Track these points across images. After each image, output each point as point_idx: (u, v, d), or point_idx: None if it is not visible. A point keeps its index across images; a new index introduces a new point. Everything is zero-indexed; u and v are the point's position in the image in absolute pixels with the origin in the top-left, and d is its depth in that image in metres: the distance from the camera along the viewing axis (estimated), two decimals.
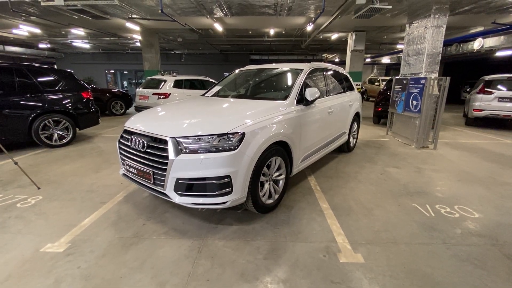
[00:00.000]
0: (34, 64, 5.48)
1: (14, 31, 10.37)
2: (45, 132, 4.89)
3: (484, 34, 9.36)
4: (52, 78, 5.08)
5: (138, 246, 2.12)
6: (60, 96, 5.07)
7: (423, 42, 5.48)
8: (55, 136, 5.04)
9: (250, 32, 11.72)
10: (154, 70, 11.28)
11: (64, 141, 5.15)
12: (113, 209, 2.71)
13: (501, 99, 7.00)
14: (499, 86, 7.13)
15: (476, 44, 9.75)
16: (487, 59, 15.37)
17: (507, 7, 6.12)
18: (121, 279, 1.77)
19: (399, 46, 14.31)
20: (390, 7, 5.42)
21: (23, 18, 8.05)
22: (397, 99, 5.97)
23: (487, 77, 7.55)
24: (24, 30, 10.09)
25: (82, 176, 3.60)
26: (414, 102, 5.30)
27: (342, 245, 2.14)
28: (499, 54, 11.48)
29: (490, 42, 9.34)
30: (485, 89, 7.26)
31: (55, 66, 18.68)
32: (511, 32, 8.39)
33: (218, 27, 9.18)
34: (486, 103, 7.18)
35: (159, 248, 2.10)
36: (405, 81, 5.66)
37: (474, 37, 9.87)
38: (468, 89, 12.99)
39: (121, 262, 1.93)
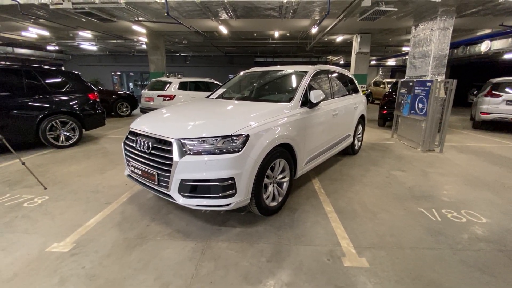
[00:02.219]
0: (42, 66, 5.57)
1: (23, 33, 10.57)
2: (52, 133, 4.96)
3: (491, 37, 9.24)
4: (59, 79, 5.16)
5: (142, 247, 2.13)
6: (67, 98, 5.14)
7: (429, 44, 5.43)
8: (62, 137, 5.11)
9: (255, 35, 11.76)
10: (160, 72, 11.38)
11: (71, 141, 5.21)
12: (118, 210, 2.73)
13: (509, 102, 6.89)
14: (507, 89, 7.01)
15: (484, 47, 9.63)
16: (494, 61, 15.14)
17: None
18: (125, 280, 1.78)
19: (404, 49, 14.20)
20: (396, 9, 5.39)
21: (32, 20, 8.19)
22: (402, 101, 5.92)
23: (495, 80, 7.44)
24: (33, 32, 10.28)
25: (88, 177, 3.64)
26: (420, 105, 5.24)
27: (346, 249, 2.12)
28: (507, 56, 11.31)
29: (497, 44, 9.22)
30: (493, 92, 7.15)
31: (63, 68, 18.97)
32: None
33: (223, 30, 9.23)
34: (493, 106, 7.07)
35: (163, 249, 2.11)
36: (410, 84, 5.62)
37: (481, 39, 9.75)
38: (475, 92, 12.79)
39: (125, 263, 1.94)
